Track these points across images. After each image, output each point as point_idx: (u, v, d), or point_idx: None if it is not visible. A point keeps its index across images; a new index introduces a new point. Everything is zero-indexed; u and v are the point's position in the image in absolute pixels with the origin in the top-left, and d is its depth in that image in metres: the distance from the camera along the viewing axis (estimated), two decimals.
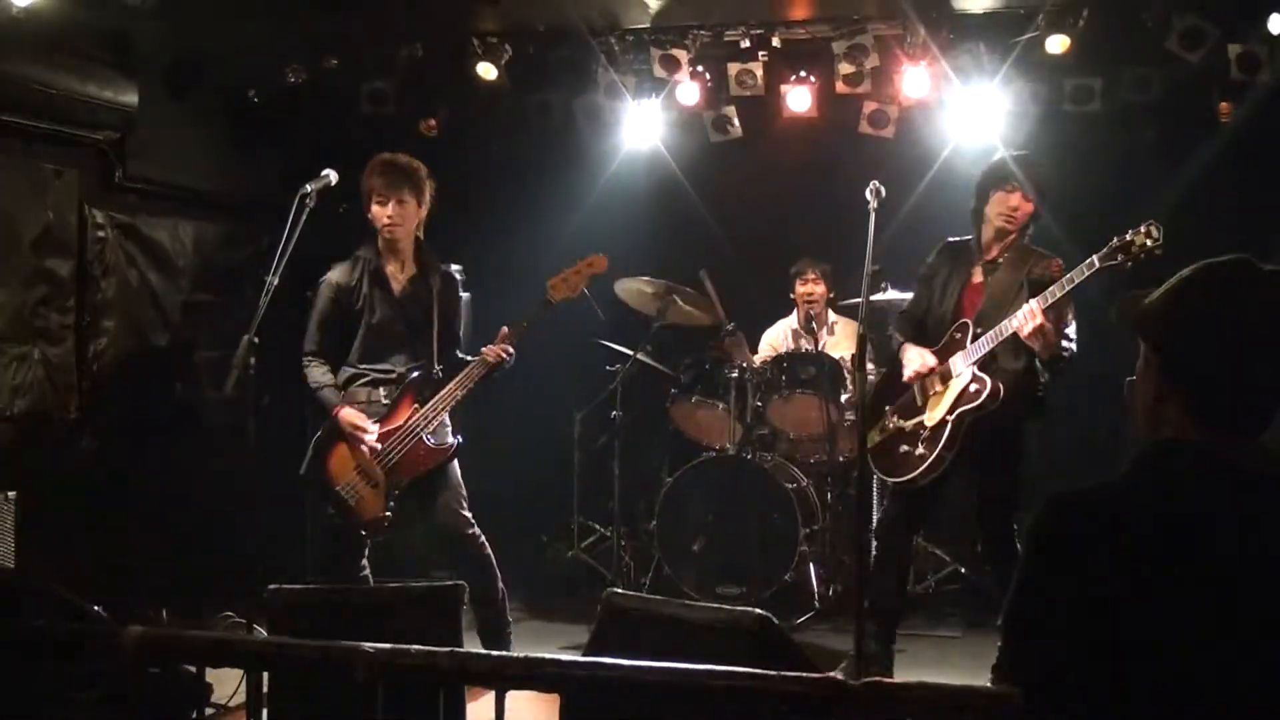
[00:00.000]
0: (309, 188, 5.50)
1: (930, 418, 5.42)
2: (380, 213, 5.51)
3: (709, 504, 7.07)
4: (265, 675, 3.38)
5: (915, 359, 5.50)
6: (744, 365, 7.17)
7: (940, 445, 5.33)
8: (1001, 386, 5.26)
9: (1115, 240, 4.92)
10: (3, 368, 6.30)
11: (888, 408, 5.64)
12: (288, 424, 6.71)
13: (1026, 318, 5.06)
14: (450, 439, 5.61)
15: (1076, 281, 5.01)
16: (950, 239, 5.69)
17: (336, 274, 5.61)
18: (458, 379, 5.50)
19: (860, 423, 4.97)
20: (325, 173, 5.61)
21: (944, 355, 5.44)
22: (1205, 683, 1.96)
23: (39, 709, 3.24)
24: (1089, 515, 2.07)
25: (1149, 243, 4.82)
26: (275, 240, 5.52)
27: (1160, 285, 2.18)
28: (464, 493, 5.62)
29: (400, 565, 6.80)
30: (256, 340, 5.38)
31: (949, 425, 5.33)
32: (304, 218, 5.46)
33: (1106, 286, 4.98)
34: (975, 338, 5.34)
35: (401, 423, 5.48)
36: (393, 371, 5.57)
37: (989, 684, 2.31)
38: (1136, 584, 1.99)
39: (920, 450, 5.39)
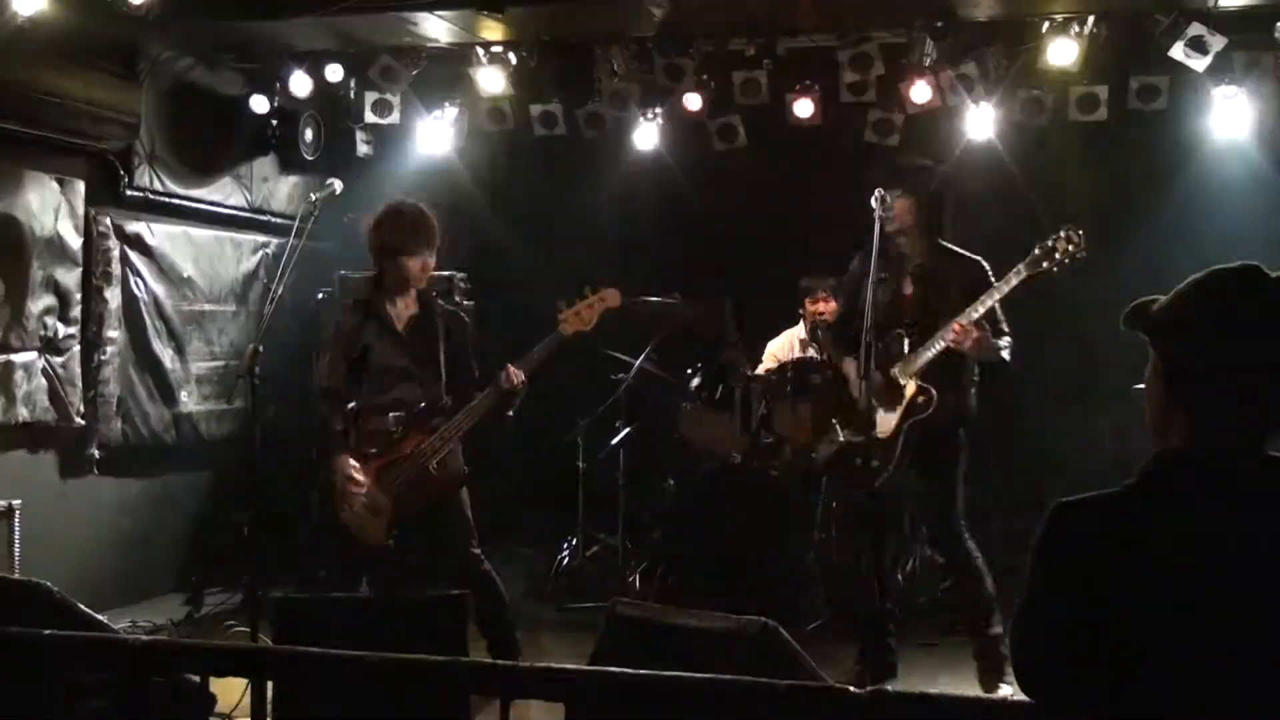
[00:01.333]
0: (314, 197, 5.50)
1: (881, 430, 5.40)
2: (414, 266, 5.53)
3: (714, 512, 7.06)
4: (270, 684, 3.38)
5: (851, 368, 5.45)
6: (749, 374, 7.14)
7: (896, 455, 5.37)
8: (938, 394, 5.31)
9: (1038, 249, 5.13)
10: (8, 377, 6.30)
11: (834, 421, 5.63)
12: (293, 433, 6.71)
13: (961, 331, 5.16)
14: (459, 468, 5.60)
15: (1004, 291, 5.17)
16: (863, 247, 5.60)
17: (346, 313, 5.66)
18: (467, 408, 5.49)
19: (865, 428, 4.95)
20: (330, 182, 5.61)
21: (882, 365, 5.39)
22: (1212, 692, 1.96)
23: (47, 717, 3.24)
24: (1096, 524, 2.06)
25: (1070, 248, 5.08)
26: (280, 249, 5.53)
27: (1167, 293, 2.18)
28: (474, 531, 5.60)
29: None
30: (262, 349, 5.38)
31: (901, 435, 5.36)
32: (309, 227, 5.46)
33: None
34: (912, 347, 5.38)
35: (409, 452, 5.48)
36: (402, 402, 5.57)
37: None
38: (1142, 593, 1.99)
39: (876, 462, 5.34)
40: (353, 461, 5.46)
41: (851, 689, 2.46)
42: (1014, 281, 5.16)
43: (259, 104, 7.65)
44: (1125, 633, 1.99)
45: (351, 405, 5.56)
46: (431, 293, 5.75)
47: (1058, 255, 5.10)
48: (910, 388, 5.36)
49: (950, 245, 5.52)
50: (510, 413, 5.60)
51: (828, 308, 7.65)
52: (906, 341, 5.39)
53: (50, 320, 6.56)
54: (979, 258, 5.48)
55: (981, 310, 5.18)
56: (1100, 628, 2.01)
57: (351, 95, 7.76)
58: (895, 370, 5.38)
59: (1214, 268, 2.12)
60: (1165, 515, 2.03)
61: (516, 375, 5.43)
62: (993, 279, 5.31)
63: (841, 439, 5.53)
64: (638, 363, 7.22)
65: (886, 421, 5.39)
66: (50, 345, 6.56)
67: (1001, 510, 7.36)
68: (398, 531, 5.48)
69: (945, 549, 5.77)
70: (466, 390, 5.59)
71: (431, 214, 5.62)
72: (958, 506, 5.49)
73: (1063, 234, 5.13)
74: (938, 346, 5.28)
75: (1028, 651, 2.12)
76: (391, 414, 5.53)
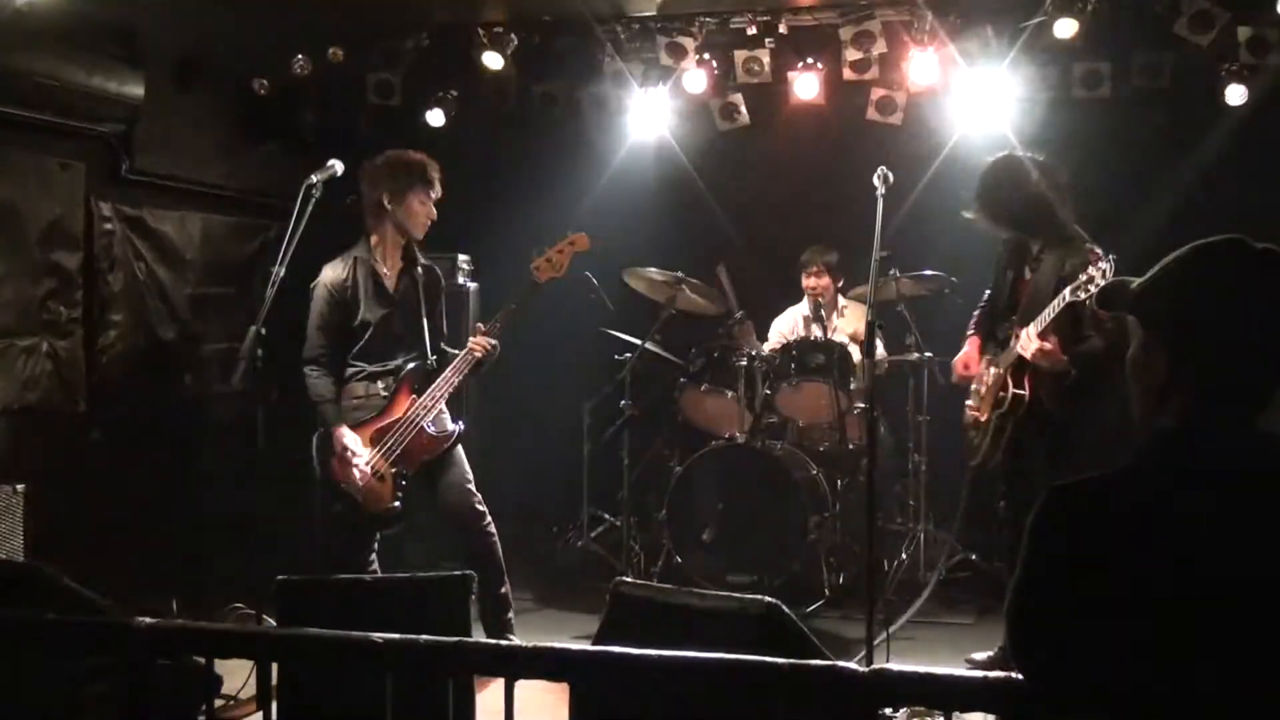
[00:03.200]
0: (315, 179, 5.50)
1: (983, 414, 5.66)
2: (423, 212, 5.65)
3: (719, 493, 7.07)
4: (275, 666, 3.38)
5: (960, 358, 5.83)
6: (753, 353, 7.15)
7: (987, 440, 5.61)
8: (1027, 395, 5.41)
9: (1083, 277, 5.05)
10: (11, 361, 6.30)
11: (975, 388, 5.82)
12: (295, 415, 6.71)
13: (1025, 343, 5.26)
14: (450, 425, 5.72)
15: (1059, 309, 5.19)
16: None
17: (329, 274, 5.73)
18: (452, 366, 5.62)
19: (870, 409, 4.93)
20: (331, 163, 5.61)
21: (1007, 354, 5.56)
22: (1210, 670, 1.95)
23: (50, 701, 3.24)
24: (1093, 506, 2.06)
25: (1103, 269, 5.05)
26: (282, 232, 5.52)
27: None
28: (470, 475, 5.71)
29: (409, 560, 6.81)
30: (264, 332, 5.38)
31: (992, 424, 5.56)
32: (310, 209, 5.46)
33: None
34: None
35: (401, 415, 5.57)
36: (389, 365, 5.63)
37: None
38: (1140, 574, 1.99)
39: (981, 442, 5.67)
40: (349, 431, 5.52)
41: (855, 667, 2.46)
42: (1059, 307, 5.18)
43: (260, 86, 7.62)
44: (1123, 613, 1.98)
45: (351, 370, 5.65)
46: (414, 250, 5.82)
47: (1098, 280, 5.08)
48: (998, 382, 5.54)
49: (1074, 230, 5.49)
50: (482, 369, 5.72)
51: (820, 283, 7.66)
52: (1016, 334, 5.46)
53: (53, 304, 6.55)
54: (1089, 243, 5.39)
55: (1043, 325, 5.24)
56: (1098, 608, 2.00)
57: (353, 77, 7.74)
58: (994, 362, 5.58)
59: (1197, 243, 2.12)
60: (1163, 495, 2.02)
61: (485, 344, 5.56)
62: (1091, 265, 5.14)
63: (970, 415, 5.80)
64: (642, 344, 7.22)
65: (983, 408, 5.68)
66: (53, 329, 6.55)
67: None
68: (400, 494, 5.55)
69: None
70: (442, 350, 5.73)
71: (416, 154, 5.72)
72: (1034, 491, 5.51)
73: (1103, 265, 5.08)
74: (1015, 354, 5.41)
75: (1024, 632, 2.11)
76: (380, 380, 5.61)
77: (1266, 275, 2.06)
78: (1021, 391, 5.41)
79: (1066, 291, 5.12)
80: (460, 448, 5.72)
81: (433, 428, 5.62)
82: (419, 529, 6.61)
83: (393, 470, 5.57)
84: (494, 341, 5.60)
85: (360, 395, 5.67)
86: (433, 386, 5.60)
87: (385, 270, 5.72)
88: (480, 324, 5.72)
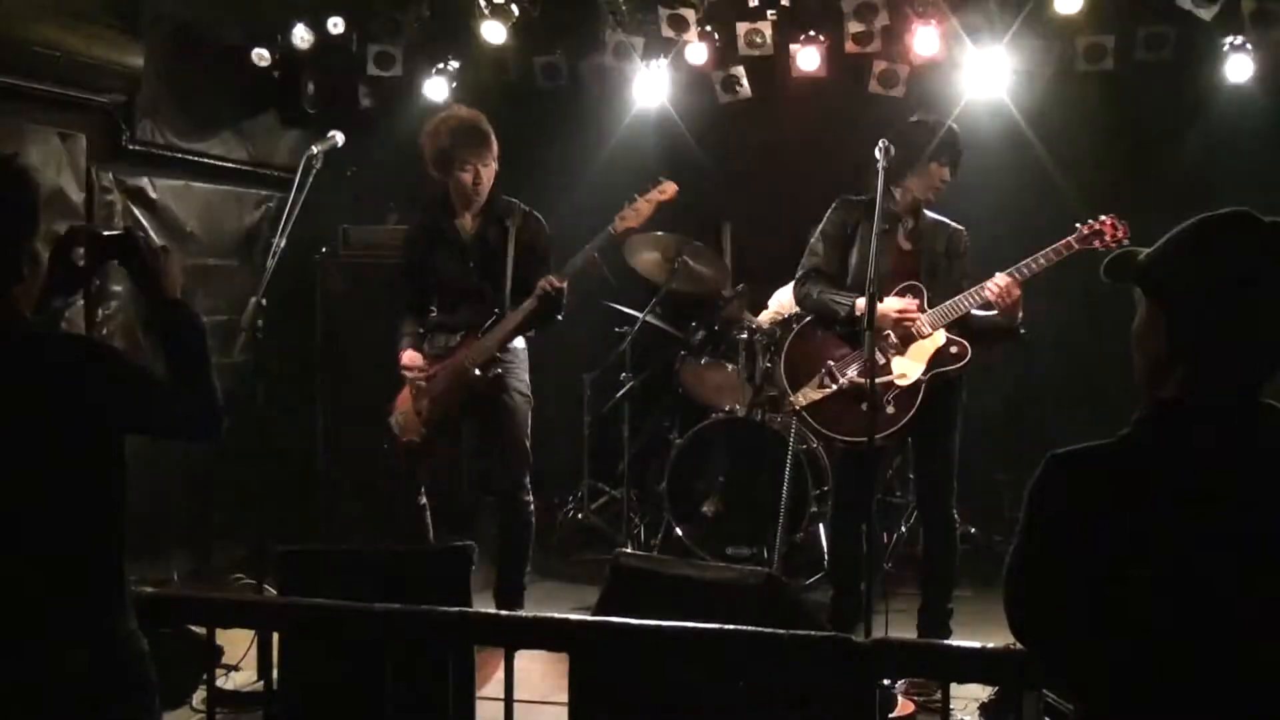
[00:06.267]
0: (315, 150, 5.50)
1: (902, 377, 5.33)
2: (467, 180, 5.60)
3: (719, 466, 7.08)
4: (276, 636, 3.40)
5: (894, 304, 5.34)
6: (751, 326, 7.13)
7: (915, 406, 5.30)
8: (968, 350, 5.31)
9: (1086, 228, 5.10)
10: None
11: (831, 362, 5.49)
12: (296, 386, 6.72)
13: (1005, 290, 5.12)
14: (509, 381, 5.68)
15: (1054, 260, 5.13)
16: (848, 196, 5.59)
17: (410, 228, 5.90)
18: (509, 314, 5.57)
19: (871, 381, 4.90)
20: (331, 134, 5.60)
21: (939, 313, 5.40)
22: (1210, 640, 1.96)
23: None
24: (1091, 474, 2.07)
25: (1121, 236, 5.08)
26: (283, 203, 5.52)
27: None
28: (529, 459, 5.80)
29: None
30: (264, 303, 5.38)
31: (923, 386, 5.32)
32: (310, 180, 5.45)
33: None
34: (932, 301, 5.35)
35: (457, 358, 5.60)
36: (457, 317, 5.69)
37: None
38: (1140, 543, 1.99)
39: (891, 410, 5.27)
40: (413, 352, 5.60)
41: (854, 638, 2.48)
42: (1065, 254, 5.12)
43: (260, 57, 7.60)
44: (1123, 583, 1.99)
45: (429, 319, 5.74)
46: (505, 200, 5.76)
47: (1107, 238, 5.09)
48: (939, 338, 5.33)
49: (929, 211, 5.51)
50: (559, 316, 5.66)
51: None
52: (926, 296, 5.37)
53: None
54: (961, 227, 5.49)
55: (1028, 274, 5.15)
56: (1097, 578, 2.01)
57: (354, 48, 7.71)
58: (920, 321, 5.34)
59: (1204, 215, 2.12)
60: (1162, 465, 2.03)
61: (552, 282, 5.47)
62: (968, 250, 5.38)
63: (843, 381, 5.42)
64: (642, 316, 7.21)
65: (910, 370, 5.34)
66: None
67: (1004, 465, 7.37)
68: (429, 432, 5.62)
69: (934, 511, 5.56)
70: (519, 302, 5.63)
71: (485, 124, 5.66)
72: (954, 467, 5.47)
73: (1108, 220, 5.12)
74: (971, 301, 5.26)
75: (1022, 602, 2.12)
76: (448, 332, 5.63)
77: (1271, 249, 2.06)
78: (967, 348, 5.32)
79: (1074, 240, 5.11)
80: (519, 415, 5.73)
81: (482, 374, 5.58)
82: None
83: (429, 406, 5.60)
84: (562, 285, 5.48)
85: (439, 346, 5.69)
86: (490, 333, 5.57)
87: (462, 222, 5.69)
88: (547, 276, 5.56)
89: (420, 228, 5.78)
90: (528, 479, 5.75)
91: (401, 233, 6.42)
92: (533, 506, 5.76)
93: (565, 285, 5.50)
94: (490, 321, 5.60)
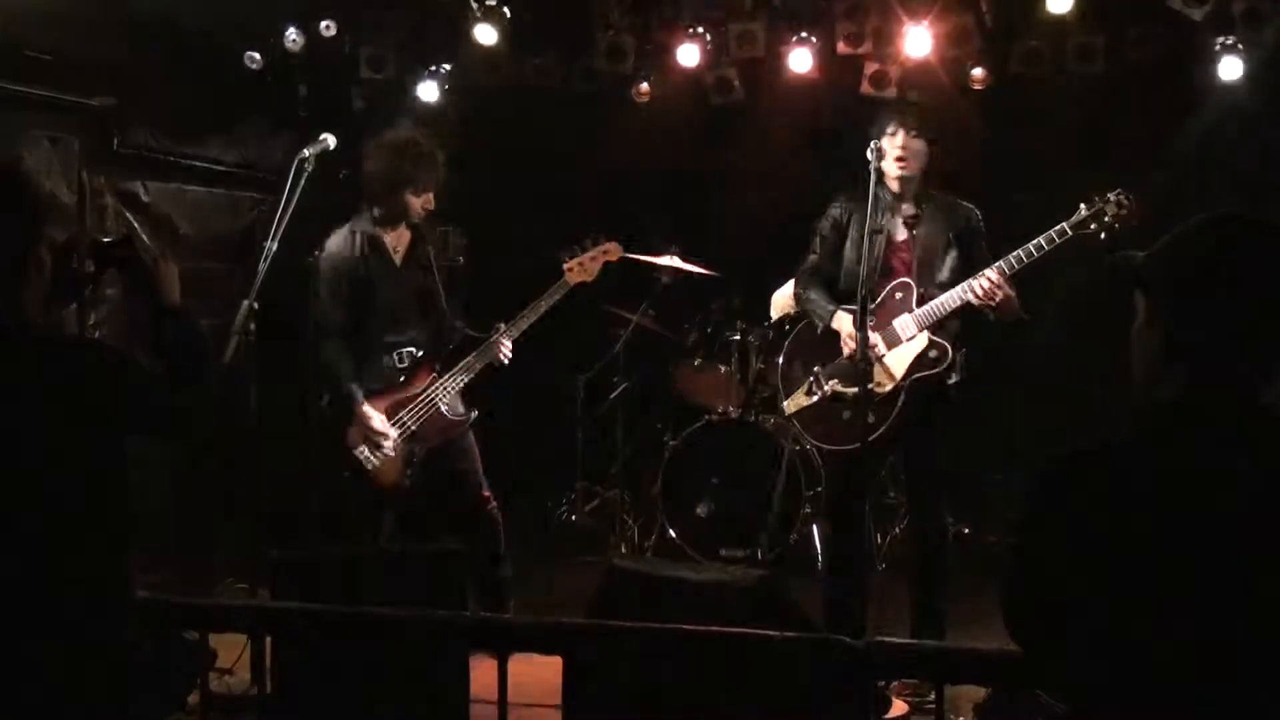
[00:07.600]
0: (307, 152, 5.48)
1: (880, 386, 5.19)
2: (416, 204, 5.61)
3: (712, 467, 7.08)
4: (269, 640, 3.40)
5: (849, 324, 5.19)
6: (764, 324, 7.07)
7: (895, 412, 5.17)
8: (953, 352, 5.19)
9: (1083, 208, 4.91)
10: None
11: (817, 369, 5.41)
12: (288, 390, 6.70)
13: (991, 288, 4.96)
14: (463, 409, 5.67)
15: (1046, 249, 4.93)
16: (845, 194, 5.48)
17: (335, 245, 5.63)
18: (476, 353, 5.58)
19: (863, 382, 4.87)
20: (323, 137, 5.58)
21: (884, 317, 5.26)
22: (1212, 640, 1.96)
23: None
24: (1090, 476, 2.06)
25: (1123, 213, 4.85)
26: (274, 206, 5.50)
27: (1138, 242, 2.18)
28: (480, 465, 5.72)
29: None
30: (256, 306, 5.36)
31: (903, 392, 5.19)
32: (302, 183, 5.44)
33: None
34: (921, 300, 5.21)
35: (419, 390, 5.53)
36: (405, 338, 5.60)
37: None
38: (1136, 544, 1.99)
39: (870, 418, 5.00)
40: (373, 411, 5.49)
41: (848, 640, 2.47)
42: (1057, 240, 4.90)
43: (252, 60, 7.59)
44: (1121, 584, 1.99)
45: (367, 343, 5.62)
46: (423, 224, 5.75)
47: (1107, 219, 4.86)
48: (920, 342, 5.19)
49: (938, 192, 5.37)
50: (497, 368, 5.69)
51: None
52: (916, 293, 5.24)
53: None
54: (971, 205, 5.36)
55: (1017, 267, 4.96)
56: (1095, 580, 2.01)
57: (345, 50, 7.70)
58: (899, 322, 5.23)
59: (1200, 217, 2.13)
60: (1161, 466, 2.03)
61: (504, 350, 5.56)
62: (982, 227, 5.23)
63: (827, 389, 5.37)
64: (635, 319, 7.21)
65: (888, 377, 5.21)
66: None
67: (997, 465, 7.38)
68: (411, 471, 5.54)
69: (925, 513, 5.45)
70: (452, 327, 5.68)
71: (438, 152, 5.64)
72: (946, 470, 5.40)
73: (1113, 198, 4.89)
74: (955, 301, 5.10)
75: (1020, 604, 2.12)
76: (395, 353, 5.58)
77: (1267, 250, 2.06)
78: (948, 350, 5.17)
79: (1066, 225, 4.90)
80: (472, 435, 5.70)
81: (448, 410, 5.58)
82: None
83: (404, 446, 5.54)
84: (509, 352, 5.59)
85: (373, 370, 5.59)
86: (455, 368, 5.56)
87: (390, 240, 5.67)
88: (502, 323, 5.59)
89: (355, 248, 5.63)
90: (486, 488, 5.73)
91: None
92: (498, 513, 5.74)
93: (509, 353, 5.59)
94: (445, 352, 5.61)
